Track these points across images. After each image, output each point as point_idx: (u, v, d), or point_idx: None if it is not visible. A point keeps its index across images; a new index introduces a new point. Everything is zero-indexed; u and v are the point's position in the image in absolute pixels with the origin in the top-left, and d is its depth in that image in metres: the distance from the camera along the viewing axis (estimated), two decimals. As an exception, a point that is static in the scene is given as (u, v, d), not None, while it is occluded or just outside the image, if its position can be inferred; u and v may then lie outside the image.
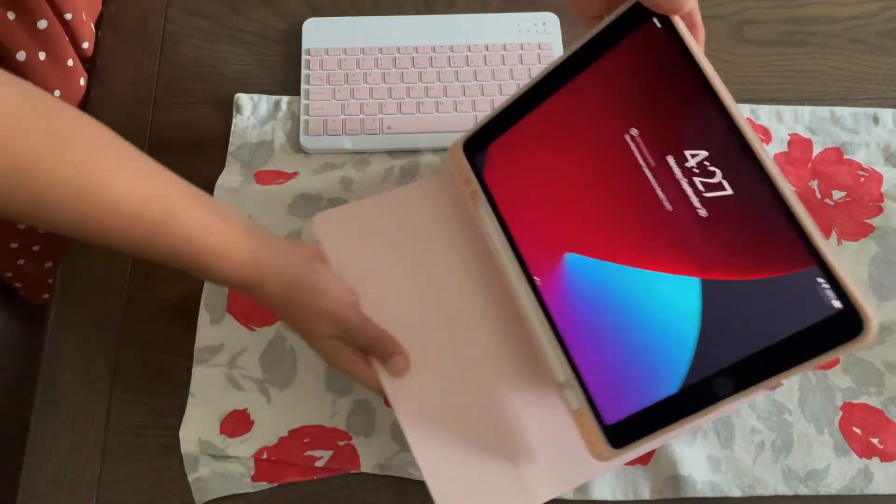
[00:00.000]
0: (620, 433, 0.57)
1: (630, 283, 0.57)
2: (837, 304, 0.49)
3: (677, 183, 0.55)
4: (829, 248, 0.50)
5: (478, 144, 0.66)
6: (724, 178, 0.54)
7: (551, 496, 0.61)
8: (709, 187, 0.54)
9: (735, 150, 0.53)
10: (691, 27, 0.57)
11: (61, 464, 0.67)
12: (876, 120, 0.80)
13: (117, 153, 0.53)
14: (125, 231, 0.53)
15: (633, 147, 0.57)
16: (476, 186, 0.65)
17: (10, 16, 0.71)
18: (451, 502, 0.59)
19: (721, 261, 0.54)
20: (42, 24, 0.74)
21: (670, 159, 0.56)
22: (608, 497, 0.66)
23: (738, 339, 0.53)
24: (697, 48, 0.55)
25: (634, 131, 0.57)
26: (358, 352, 0.63)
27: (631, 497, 0.66)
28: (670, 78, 0.55)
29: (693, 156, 0.55)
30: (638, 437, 0.56)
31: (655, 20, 0.56)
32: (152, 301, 0.73)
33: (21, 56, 0.73)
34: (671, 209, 0.56)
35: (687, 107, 0.55)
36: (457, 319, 0.65)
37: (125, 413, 0.69)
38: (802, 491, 0.66)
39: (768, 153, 0.54)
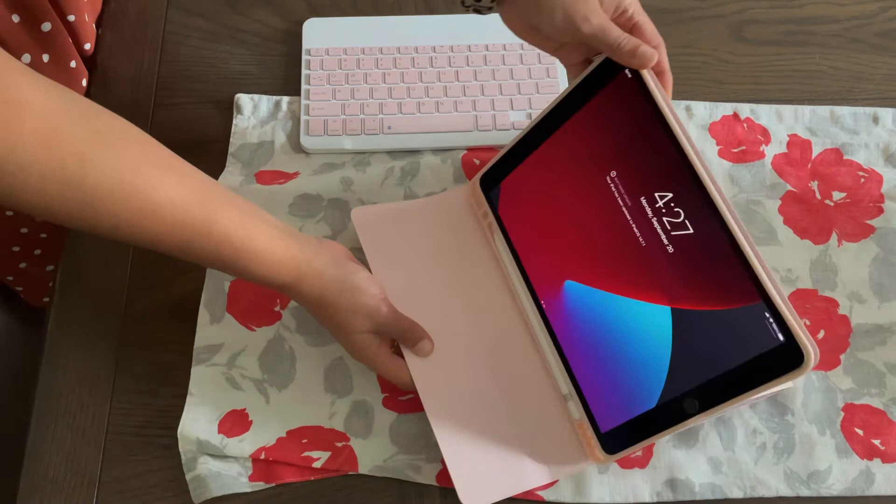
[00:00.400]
0: (613, 441, 0.63)
1: (616, 308, 0.64)
2: (781, 336, 0.55)
3: (649, 221, 0.62)
4: (776, 284, 0.56)
5: (492, 181, 0.72)
6: (686, 218, 0.60)
7: (543, 482, 0.66)
8: (674, 226, 0.61)
9: (694, 193, 0.59)
10: (660, 73, 0.64)
11: (61, 464, 0.67)
12: (876, 119, 0.80)
13: (159, 157, 0.55)
14: (169, 234, 0.55)
15: (612, 188, 0.64)
16: (492, 219, 0.72)
17: (15, 18, 0.71)
18: (462, 474, 0.64)
19: (686, 292, 0.60)
20: (46, 26, 0.74)
21: (643, 200, 0.63)
22: (606, 500, 0.66)
23: (701, 363, 0.59)
24: (663, 98, 0.61)
25: (613, 174, 0.64)
26: (386, 345, 0.67)
27: (630, 500, 0.66)
28: (640, 126, 0.62)
29: (661, 197, 0.62)
30: (626, 445, 0.62)
31: (627, 71, 0.62)
32: (152, 301, 0.73)
33: (26, 59, 0.73)
34: (645, 245, 0.62)
35: (654, 152, 0.62)
36: (474, 317, 0.71)
37: (125, 413, 0.69)
38: (804, 492, 0.66)
39: (724, 195, 0.59)
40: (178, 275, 0.73)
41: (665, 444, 0.67)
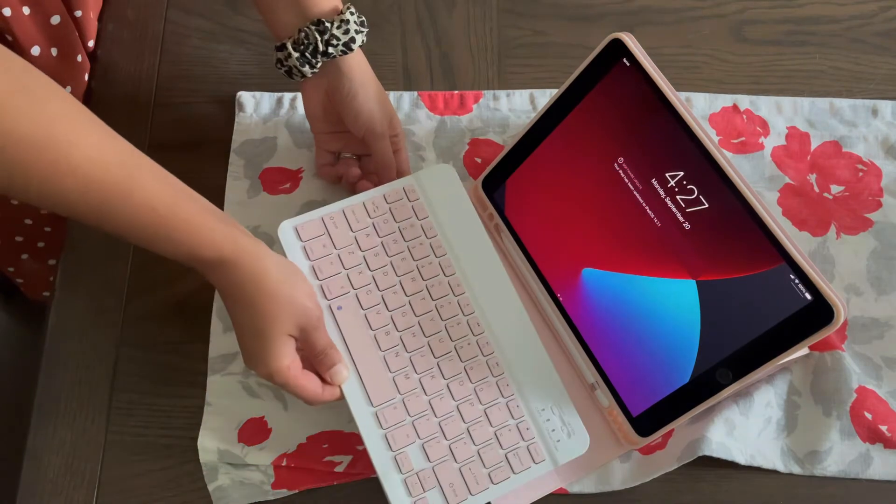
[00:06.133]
0: (645, 423, 0.65)
1: (640, 288, 0.65)
2: (808, 296, 0.57)
3: (663, 202, 0.64)
4: (796, 246, 0.58)
5: (495, 182, 0.73)
6: (700, 193, 0.62)
7: (575, 477, 0.66)
8: (689, 203, 0.62)
9: (706, 169, 0.61)
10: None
11: (61, 464, 0.67)
12: (875, 112, 0.80)
13: (84, 119, 0.53)
14: (84, 193, 0.52)
15: (622, 174, 0.65)
16: (498, 220, 0.73)
17: (26, 10, 0.72)
18: None
19: (708, 264, 0.62)
20: (55, 19, 0.74)
21: (654, 182, 0.64)
22: (630, 485, 0.66)
23: (732, 332, 0.61)
24: (663, 81, 0.62)
25: (621, 160, 0.66)
26: (298, 359, 0.61)
27: (654, 476, 0.66)
28: (643, 110, 0.64)
29: (673, 177, 0.63)
30: (660, 425, 0.64)
31: (625, 59, 0.63)
32: (152, 301, 0.73)
33: (35, 51, 0.74)
34: (660, 225, 0.64)
35: (660, 134, 0.63)
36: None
37: (125, 413, 0.69)
38: (796, 470, 0.67)
39: (735, 166, 0.60)
40: (179, 275, 0.73)
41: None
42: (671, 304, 0.63)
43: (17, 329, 1.11)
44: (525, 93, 0.82)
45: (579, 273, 0.68)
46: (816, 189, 0.77)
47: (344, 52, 0.67)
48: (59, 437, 0.68)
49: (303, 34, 0.67)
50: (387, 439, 0.63)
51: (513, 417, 0.65)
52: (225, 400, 0.68)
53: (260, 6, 0.69)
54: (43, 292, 1.02)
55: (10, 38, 0.72)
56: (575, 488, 0.66)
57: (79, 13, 0.78)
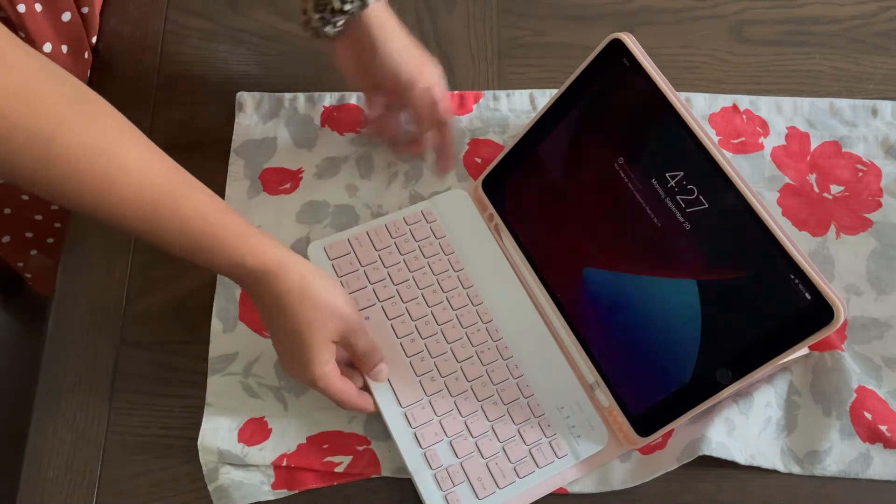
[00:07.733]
0: (646, 423, 0.65)
1: (641, 288, 0.66)
2: (808, 295, 0.57)
3: (663, 202, 0.64)
4: (796, 246, 0.58)
5: (495, 182, 0.74)
6: (700, 193, 0.62)
7: (576, 476, 0.66)
8: (689, 203, 0.63)
9: (706, 169, 0.61)
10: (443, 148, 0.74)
11: (61, 464, 0.67)
12: (875, 112, 0.80)
13: (131, 132, 0.55)
14: (135, 205, 0.54)
15: (622, 174, 0.66)
16: (498, 220, 0.74)
17: (38, 7, 0.72)
18: None
19: (708, 264, 0.62)
20: (66, 16, 0.75)
21: (654, 182, 0.64)
22: (630, 485, 0.66)
23: (732, 332, 0.61)
24: (663, 81, 0.63)
25: (621, 160, 0.66)
26: (336, 364, 0.64)
27: (653, 476, 0.66)
28: (643, 111, 0.64)
29: (672, 177, 0.63)
30: (660, 425, 0.64)
31: (625, 59, 0.64)
32: (152, 301, 0.73)
33: (47, 48, 0.74)
34: (660, 225, 0.64)
35: (661, 135, 0.64)
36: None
37: (125, 413, 0.69)
38: (796, 471, 0.67)
39: (735, 167, 0.61)
40: (179, 275, 0.73)
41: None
42: (671, 303, 0.64)
43: (18, 328, 1.11)
44: (525, 93, 0.82)
45: (579, 273, 0.68)
46: (816, 189, 0.77)
47: (361, 7, 0.68)
48: (59, 437, 0.68)
49: None
50: (416, 437, 0.65)
51: (534, 415, 0.67)
52: (225, 400, 0.68)
53: None
54: (52, 287, 1.02)
55: (22, 34, 0.72)
56: (575, 488, 0.66)
57: (86, 10, 0.79)
